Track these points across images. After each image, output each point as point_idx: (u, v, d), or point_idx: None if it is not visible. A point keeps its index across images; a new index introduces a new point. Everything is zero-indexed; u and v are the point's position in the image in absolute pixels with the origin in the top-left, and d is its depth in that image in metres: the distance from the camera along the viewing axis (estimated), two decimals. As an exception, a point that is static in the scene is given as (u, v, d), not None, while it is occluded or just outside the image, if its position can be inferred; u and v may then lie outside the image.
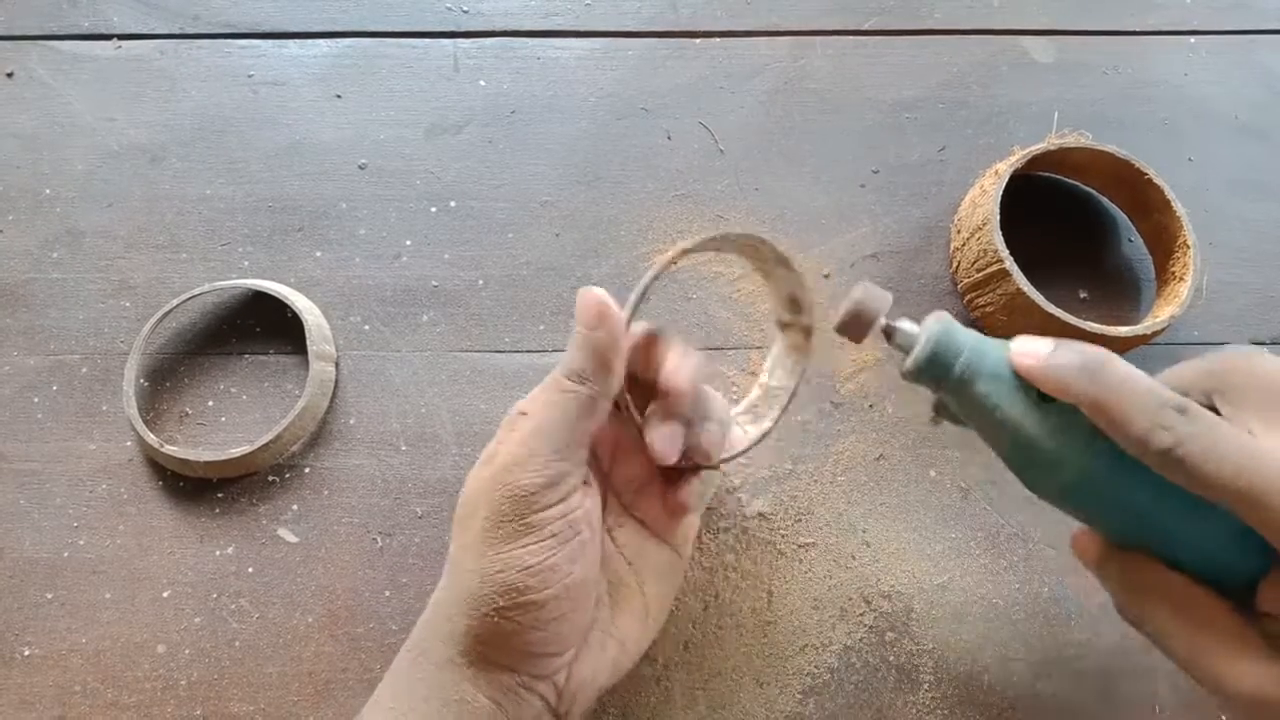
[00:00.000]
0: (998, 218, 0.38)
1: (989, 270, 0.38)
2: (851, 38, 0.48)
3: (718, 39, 0.48)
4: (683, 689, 0.34)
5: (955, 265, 0.42)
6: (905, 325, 0.29)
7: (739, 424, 0.33)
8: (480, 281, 0.42)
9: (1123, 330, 0.36)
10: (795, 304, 0.33)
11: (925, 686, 0.34)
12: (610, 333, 0.26)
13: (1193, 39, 0.49)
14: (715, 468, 0.30)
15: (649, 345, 0.29)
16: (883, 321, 0.29)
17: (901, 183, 0.44)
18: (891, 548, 0.36)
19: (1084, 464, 0.26)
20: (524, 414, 0.27)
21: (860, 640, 0.35)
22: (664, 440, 0.27)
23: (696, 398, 0.28)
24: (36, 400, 0.39)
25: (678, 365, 0.27)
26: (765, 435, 0.33)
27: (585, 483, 0.27)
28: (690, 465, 0.29)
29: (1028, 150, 0.40)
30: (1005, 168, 0.39)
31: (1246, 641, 0.24)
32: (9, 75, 0.46)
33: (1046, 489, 0.28)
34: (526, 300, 0.41)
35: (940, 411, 0.30)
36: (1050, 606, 0.36)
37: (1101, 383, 0.25)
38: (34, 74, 0.46)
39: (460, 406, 0.39)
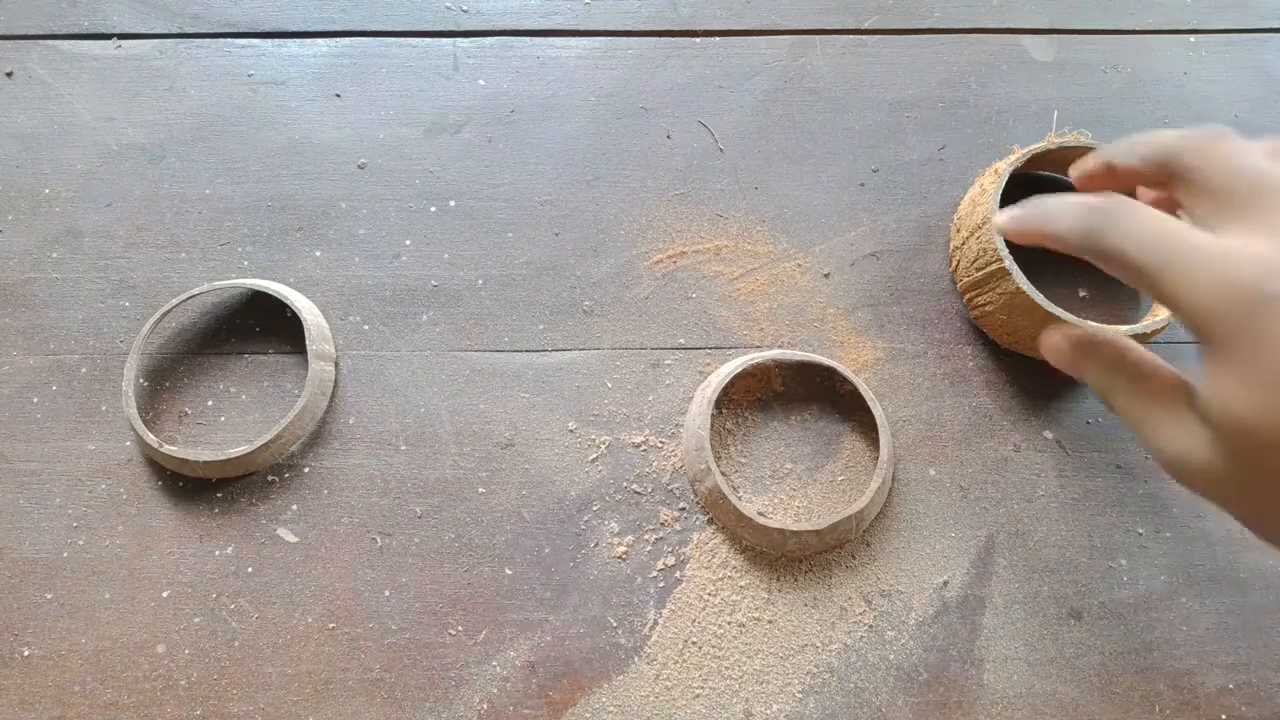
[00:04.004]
0: (997, 216, 0.38)
1: (989, 269, 0.38)
2: (851, 37, 0.48)
3: (717, 38, 0.48)
4: (683, 689, 0.34)
5: (955, 264, 0.42)
6: None
7: None
8: (480, 281, 0.42)
9: (1122, 329, 0.36)
10: None
11: (925, 686, 0.34)
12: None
13: (1192, 38, 0.49)
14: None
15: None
16: None
17: (901, 182, 0.44)
18: (891, 547, 0.36)
19: None
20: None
21: (860, 640, 0.35)
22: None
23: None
24: (36, 400, 0.39)
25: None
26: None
27: None
28: None
29: (1027, 149, 0.40)
30: (1005, 167, 0.39)
31: (1182, 410, 0.25)
32: (9, 75, 0.46)
33: None
34: (526, 300, 0.41)
35: None
36: (1050, 606, 0.36)
37: (1037, 211, 0.29)
38: (34, 74, 0.46)
39: (460, 406, 0.39)
